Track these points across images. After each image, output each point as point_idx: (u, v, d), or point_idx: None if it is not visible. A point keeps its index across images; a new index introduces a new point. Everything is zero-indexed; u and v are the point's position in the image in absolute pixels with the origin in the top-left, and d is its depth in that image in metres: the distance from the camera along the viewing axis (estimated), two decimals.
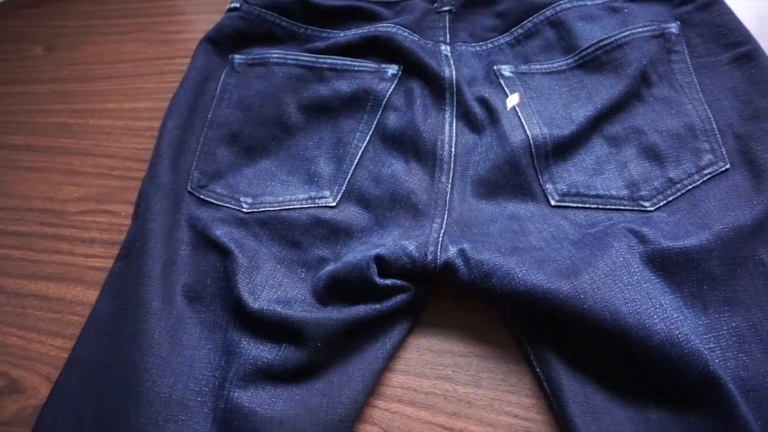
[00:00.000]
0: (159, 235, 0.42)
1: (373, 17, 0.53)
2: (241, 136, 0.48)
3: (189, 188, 0.46)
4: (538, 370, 0.37)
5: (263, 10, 0.53)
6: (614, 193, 0.42)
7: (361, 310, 0.38)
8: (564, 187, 0.43)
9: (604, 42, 0.47)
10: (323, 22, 0.53)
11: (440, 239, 0.40)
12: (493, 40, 0.51)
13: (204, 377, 0.37)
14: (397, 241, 0.40)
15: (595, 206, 0.42)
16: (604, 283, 0.35)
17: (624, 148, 0.43)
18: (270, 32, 0.53)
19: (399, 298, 0.39)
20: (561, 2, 0.50)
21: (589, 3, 0.50)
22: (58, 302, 0.46)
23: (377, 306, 0.39)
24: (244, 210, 0.44)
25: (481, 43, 0.51)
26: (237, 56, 0.52)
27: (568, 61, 0.48)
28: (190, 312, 0.40)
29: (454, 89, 0.47)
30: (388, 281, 0.39)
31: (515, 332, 0.39)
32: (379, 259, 0.39)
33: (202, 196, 0.45)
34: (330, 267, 0.40)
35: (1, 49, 0.69)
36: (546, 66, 0.48)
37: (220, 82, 0.51)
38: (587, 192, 0.42)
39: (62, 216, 0.52)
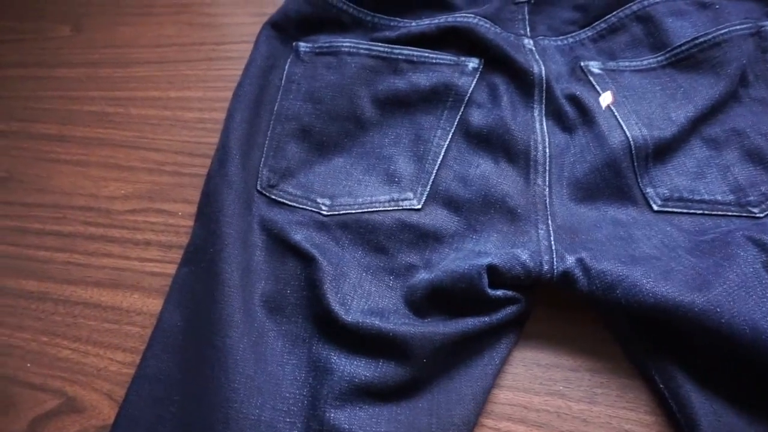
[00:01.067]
0: (236, 240, 0.39)
1: (445, 6, 0.49)
2: (312, 131, 0.44)
3: (259, 187, 0.42)
4: (661, 386, 0.35)
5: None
6: (720, 198, 0.40)
7: (470, 323, 0.36)
8: (665, 191, 0.41)
9: (700, 39, 0.45)
10: (391, 10, 0.49)
11: (552, 247, 0.38)
12: (574, 34, 0.49)
13: (291, 396, 0.34)
14: (501, 248, 0.38)
15: (700, 212, 0.40)
16: (739, 296, 0.33)
17: (725, 151, 0.42)
18: (336, 18, 0.49)
19: (509, 309, 0.36)
20: None
21: None
22: (114, 311, 0.42)
23: (486, 318, 0.36)
24: (324, 212, 0.41)
25: (562, 38, 0.49)
26: (302, 44, 0.48)
27: (659, 58, 0.46)
28: (270, 324, 0.37)
29: (544, 86, 0.44)
30: (499, 292, 0.36)
31: (630, 345, 0.37)
32: (491, 269, 0.36)
33: (273, 197, 0.42)
34: (427, 275, 0.38)
35: (21, 28, 0.62)
36: (635, 63, 0.46)
37: (285, 72, 0.47)
38: (691, 197, 0.40)
39: (109, 215, 0.47)
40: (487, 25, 0.47)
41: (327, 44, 0.47)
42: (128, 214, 0.47)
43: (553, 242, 0.38)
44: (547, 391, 0.37)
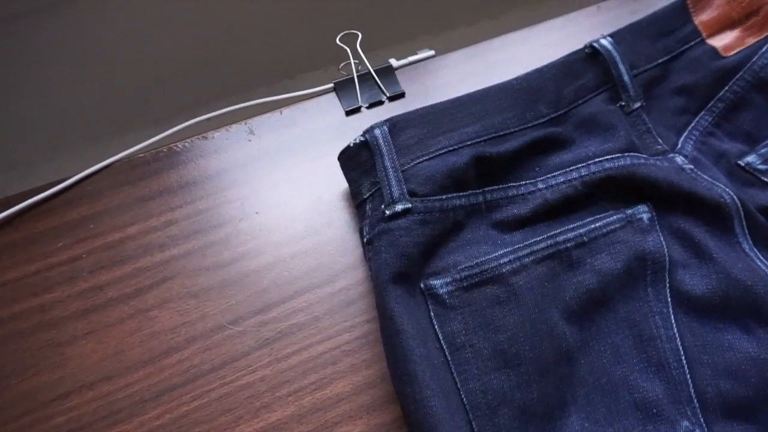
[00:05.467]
0: None
1: (556, 143, 0.41)
2: (513, 399, 0.32)
3: None
4: None
5: (445, 197, 0.37)
6: None
7: None
8: None
9: None
10: (499, 175, 0.40)
11: None
12: (695, 124, 0.43)
13: None
14: None
15: None
16: None
17: None
18: (454, 221, 0.37)
19: None
20: (754, 59, 0.44)
21: None
22: None
23: None
24: None
25: (687, 133, 0.42)
26: (434, 281, 0.35)
27: None
28: None
29: (742, 213, 0.36)
30: None
31: None
32: None
33: None
34: None
35: None
36: None
37: (440, 336, 0.34)
38: None
39: None
40: (642, 160, 0.39)
41: (471, 269, 0.35)
42: None
43: None
44: None
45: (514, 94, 0.42)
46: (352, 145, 0.39)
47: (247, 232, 0.41)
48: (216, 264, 0.40)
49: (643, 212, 0.38)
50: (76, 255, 0.40)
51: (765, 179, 0.40)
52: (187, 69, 0.67)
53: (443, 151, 0.39)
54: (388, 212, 0.36)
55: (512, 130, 0.41)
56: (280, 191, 0.43)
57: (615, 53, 0.44)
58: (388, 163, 0.37)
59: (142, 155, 0.44)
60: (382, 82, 0.48)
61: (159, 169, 0.44)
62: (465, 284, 0.35)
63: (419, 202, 0.36)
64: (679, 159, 0.41)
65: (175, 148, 0.45)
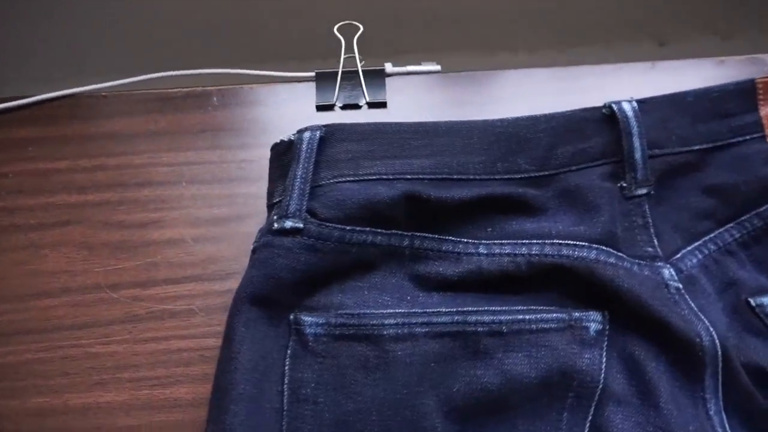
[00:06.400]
0: None
1: (525, 208, 0.34)
2: None
3: None
4: None
5: (350, 228, 0.31)
6: None
7: None
8: None
9: None
10: (439, 223, 0.33)
11: None
12: (715, 236, 0.34)
13: None
14: None
15: None
16: None
17: None
18: (357, 258, 0.32)
19: None
20: None
21: None
22: None
23: None
24: None
25: (698, 243, 0.33)
26: (306, 317, 0.30)
27: None
28: None
29: (720, 362, 0.29)
30: None
31: None
32: None
33: None
34: None
35: None
36: None
37: (287, 380, 0.29)
38: None
39: None
40: (612, 260, 0.31)
41: (351, 318, 0.30)
42: None
43: None
44: None
45: (491, 136, 0.36)
46: (281, 141, 0.35)
47: (167, 200, 0.39)
48: (122, 223, 0.38)
49: (593, 321, 0.31)
50: (3, 172, 0.40)
51: None
52: (194, 28, 0.66)
53: (374, 177, 0.34)
54: (276, 225, 0.32)
55: (471, 176, 0.35)
56: (216, 168, 0.40)
57: (633, 122, 0.36)
58: (299, 172, 0.33)
59: (104, 94, 0.44)
60: (368, 86, 0.43)
61: (112, 113, 0.43)
62: (337, 332, 0.30)
63: (314, 225, 0.32)
64: (667, 272, 0.33)
65: (134, 95, 0.43)
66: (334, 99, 0.42)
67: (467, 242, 0.33)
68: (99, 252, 0.37)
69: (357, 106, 0.42)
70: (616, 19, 0.65)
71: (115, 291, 0.36)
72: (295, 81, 0.44)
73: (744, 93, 0.38)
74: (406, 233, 0.33)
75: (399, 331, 0.30)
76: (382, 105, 0.42)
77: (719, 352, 0.29)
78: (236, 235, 0.37)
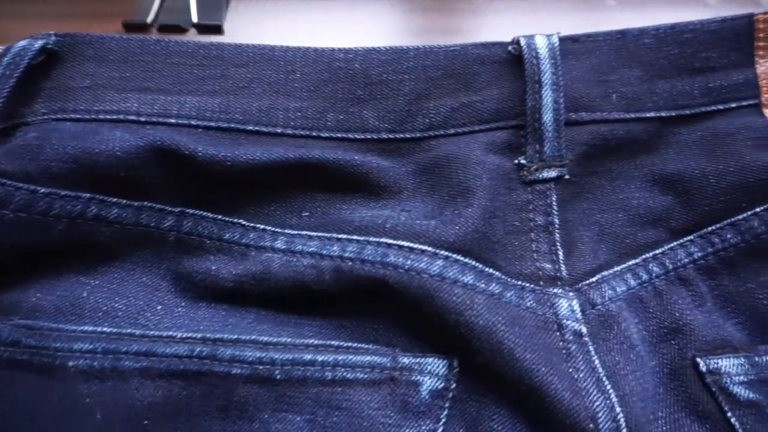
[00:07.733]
0: None
1: (358, 186, 0.23)
2: None
3: None
4: None
5: (46, 191, 0.20)
6: None
7: None
8: None
9: None
10: (228, 199, 0.22)
11: None
12: (667, 251, 0.22)
13: None
14: None
15: None
16: None
17: None
18: (73, 239, 0.21)
19: None
20: None
21: None
22: None
23: None
24: None
25: (630, 263, 0.22)
26: None
27: None
28: None
29: None
30: None
31: None
32: None
33: None
34: None
35: None
36: None
37: None
38: None
39: None
40: (467, 278, 0.20)
41: (30, 335, 0.19)
42: None
43: None
44: None
45: (324, 72, 0.24)
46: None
47: None
48: None
49: (429, 374, 0.19)
50: None
51: (724, 404, 0.19)
52: None
53: (112, 117, 0.22)
54: None
55: (280, 130, 0.23)
56: None
57: (547, 65, 0.23)
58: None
59: None
60: (204, 3, 0.31)
61: None
62: (5, 354, 0.19)
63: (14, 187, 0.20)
64: (566, 304, 0.21)
65: None
66: (149, 16, 0.30)
67: (265, 230, 0.22)
68: None
69: (181, 29, 0.30)
70: None
71: None
72: None
73: (734, 37, 0.25)
74: (169, 208, 0.21)
75: (93, 363, 0.19)
76: (217, 30, 0.30)
77: None
78: None
